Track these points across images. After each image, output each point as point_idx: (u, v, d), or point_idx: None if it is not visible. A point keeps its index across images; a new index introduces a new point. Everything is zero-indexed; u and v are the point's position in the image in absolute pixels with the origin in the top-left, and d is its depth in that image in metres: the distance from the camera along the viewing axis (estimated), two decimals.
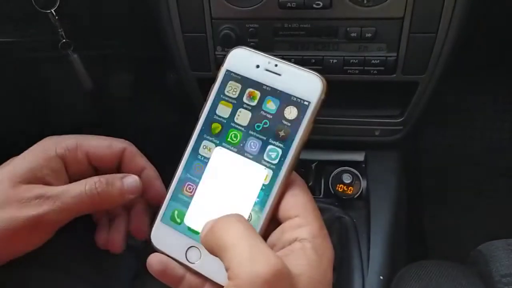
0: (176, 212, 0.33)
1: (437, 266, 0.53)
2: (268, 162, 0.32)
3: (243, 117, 0.32)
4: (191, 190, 0.33)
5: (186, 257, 0.32)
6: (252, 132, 0.32)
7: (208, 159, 0.33)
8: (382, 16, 0.55)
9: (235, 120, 0.33)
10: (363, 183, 0.67)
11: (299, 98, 0.31)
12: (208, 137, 0.33)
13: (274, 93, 0.32)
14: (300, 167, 0.71)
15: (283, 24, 0.58)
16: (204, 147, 0.33)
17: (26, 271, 0.40)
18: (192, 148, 0.33)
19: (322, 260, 0.29)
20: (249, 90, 0.32)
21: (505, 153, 1.08)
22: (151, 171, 0.39)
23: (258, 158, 0.32)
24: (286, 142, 0.31)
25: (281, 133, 0.31)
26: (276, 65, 0.32)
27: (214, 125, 0.33)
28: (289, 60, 0.60)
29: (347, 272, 0.61)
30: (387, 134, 0.67)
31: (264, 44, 0.59)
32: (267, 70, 0.32)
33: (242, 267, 0.26)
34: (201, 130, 0.34)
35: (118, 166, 0.39)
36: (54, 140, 0.38)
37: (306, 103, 0.31)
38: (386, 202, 0.66)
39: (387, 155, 0.71)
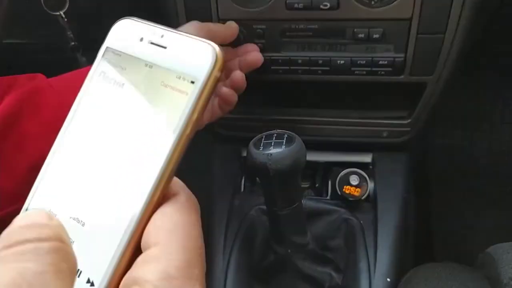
0: None
1: (444, 269, 0.53)
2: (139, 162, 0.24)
3: (118, 102, 0.25)
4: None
5: None
6: (123, 124, 0.25)
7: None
8: (389, 17, 0.55)
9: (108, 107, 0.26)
10: (370, 185, 0.66)
11: (184, 76, 0.24)
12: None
13: (156, 71, 0.25)
14: (308, 168, 0.71)
15: (291, 25, 0.58)
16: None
17: None
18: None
19: None
20: (128, 69, 0.25)
21: None
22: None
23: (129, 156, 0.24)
24: (164, 136, 0.23)
25: (159, 124, 0.24)
26: (162, 36, 0.25)
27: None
28: (295, 61, 0.61)
29: (353, 274, 0.61)
30: (394, 136, 0.67)
31: (271, 44, 0.59)
32: (152, 43, 0.25)
33: None
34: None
35: None
36: None
37: (191, 82, 0.23)
38: (393, 204, 0.66)
39: (395, 156, 0.71)
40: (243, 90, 0.55)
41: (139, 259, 0.22)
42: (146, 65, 0.25)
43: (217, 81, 0.24)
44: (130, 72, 0.25)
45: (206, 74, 0.23)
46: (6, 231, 0.19)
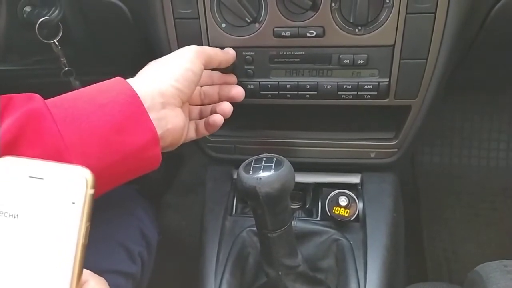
0: None
1: None
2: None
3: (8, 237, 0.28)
4: None
5: None
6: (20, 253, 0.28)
7: None
8: (373, 43, 0.57)
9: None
10: (359, 205, 0.68)
11: (65, 201, 0.28)
12: None
13: (38, 202, 0.28)
14: (297, 189, 0.72)
15: (279, 51, 0.59)
16: None
17: None
18: None
19: None
20: (11, 205, 0.29)
21: (501, 173, 1.09)
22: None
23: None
24: (65, 250, 0.28)
25: (56, 248, 0.28)
26: (38, 169, 0.29)
27: None
28: (284, 86, 0.63)
29: None
30: (382, 157, 0.68)
31: (260, 70, 0.61)
32: (31, 176, 0.29)
33: None
34: None
35: None
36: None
37: (72, 204, 0.28)
38: (382, 224, 0.67)
39: (383, 177, 0.72)
40: (228, 116, 0.58)
41: None
42: (28, 198, 0.28)
43: (93, 196, 0.28)
44: (19, 204, 0.29)
45: (82, 194, 0.28)
46: None
